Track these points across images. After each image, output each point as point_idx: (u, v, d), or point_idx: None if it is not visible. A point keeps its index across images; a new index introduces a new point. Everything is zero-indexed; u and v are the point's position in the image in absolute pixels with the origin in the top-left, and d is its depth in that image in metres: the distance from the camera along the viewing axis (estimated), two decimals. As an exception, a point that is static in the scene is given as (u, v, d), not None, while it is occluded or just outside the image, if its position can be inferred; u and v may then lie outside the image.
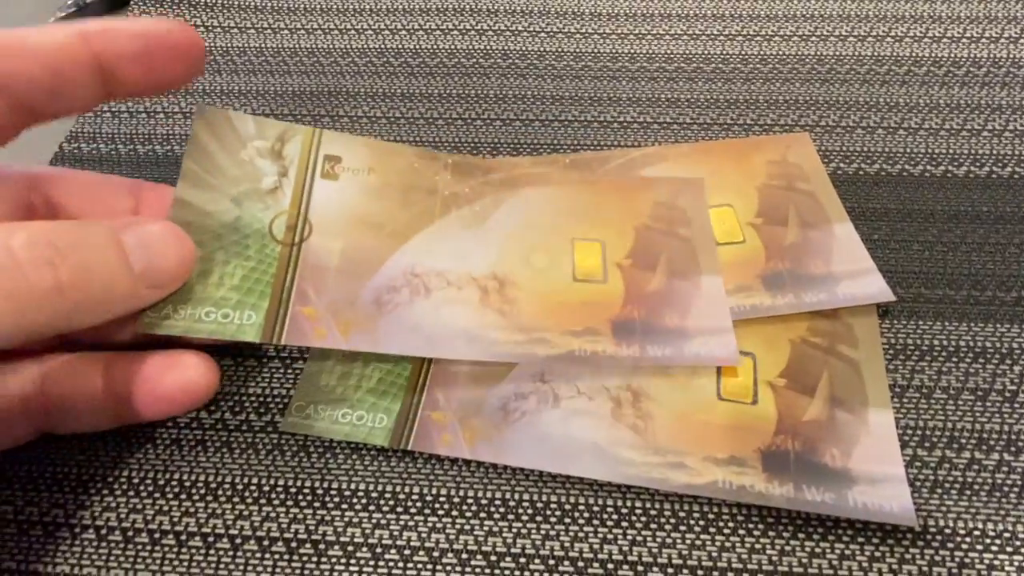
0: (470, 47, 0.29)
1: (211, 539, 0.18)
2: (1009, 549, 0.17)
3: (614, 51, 0.29)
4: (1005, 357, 0.20)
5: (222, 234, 0.19)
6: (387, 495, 0.19)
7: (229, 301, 0.19)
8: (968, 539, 0.18)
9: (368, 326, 0.19)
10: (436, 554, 0.18)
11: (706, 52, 0.28)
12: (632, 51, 0.28)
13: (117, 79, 0.17)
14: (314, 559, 0.18)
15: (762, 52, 0.28)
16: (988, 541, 0.18)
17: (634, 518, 0.18)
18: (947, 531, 0.18)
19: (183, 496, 0.19)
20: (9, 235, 0.14)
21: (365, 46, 0.29)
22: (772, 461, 0.18)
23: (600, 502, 0.19)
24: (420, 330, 0.20)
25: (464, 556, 0.18)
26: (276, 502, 0.19)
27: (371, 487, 0.19)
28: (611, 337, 0.20)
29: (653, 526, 0.18)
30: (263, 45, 0.29)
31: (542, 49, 0.29)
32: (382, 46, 0.29)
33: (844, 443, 0.19)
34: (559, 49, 0.29)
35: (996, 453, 0.19)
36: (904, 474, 0.18)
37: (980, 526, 0.18)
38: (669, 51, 0.28)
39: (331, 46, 0.29)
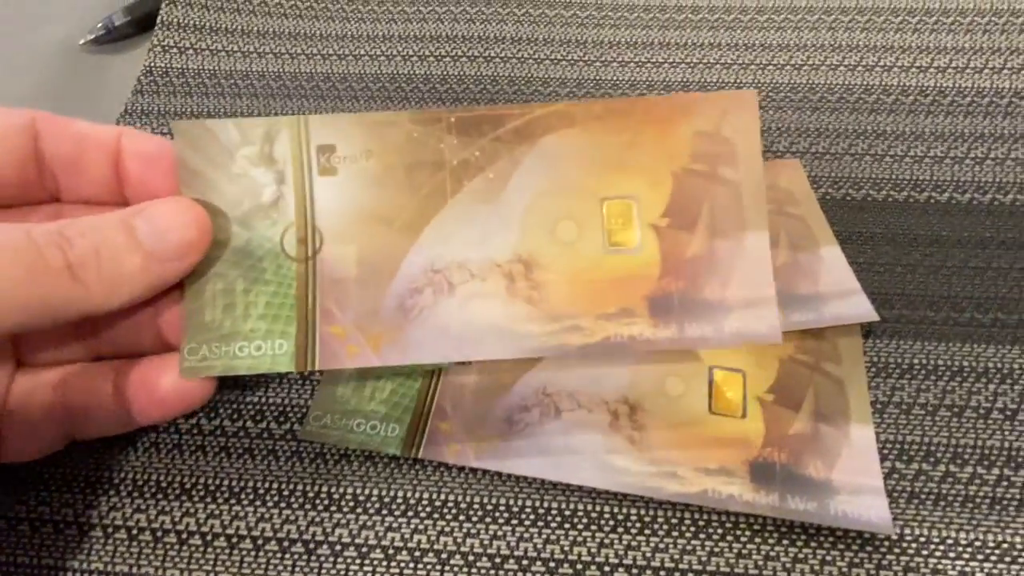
0: (466, 73, 0.30)
1: (234, 540, 0.20)
2: (980, 557, 0.19)
3: (615, 78, 0.30)
4: (980, 376, 0.22)
5: (237, 261, 0.19)
6: (399, 500, 0.20)
7: (258, 332, 0.18)
8: (942, 547, 0.19)
9: (396, 336, 0.19)
10: (444, 556, 0.19)
11: (703, 80, 0.30)
12: (631, 78, 0.30)
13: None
14: (330, 559, 0.19)
15: (756, 80, 0.29)
16: (960, 549, 0.19)
17: (629, 524, 0.20)
18: (922, 539, 0.19)
19: (208, 499, 0.20)
20: (29, 225, 0.16)
21: (379, 71, 0.31)
22: (759, 472, 0.20)
23: (598, 509, 0.20)
24: (448, 332, 0.19)
25: (471, 558, 0.19)
26: (295, 505, 0.20)
27: (384, 492, 0.20)
28: (647, 317, 0.19)
29: (647, 532, 0.19)
30: (282, 70, 0.31)
31: (529, 75, 0.30)
32: (378, 71, 0.31)
33: (827, 456, 0.20)
34: (547, 75, 0.30)
35: (970, 467, 0.20)
36: (882, 486, 0.19)
37: (953, 535, 0.19)
38: (667, 79, 0.30)
39: (346, 71, 0.31)
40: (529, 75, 0.30)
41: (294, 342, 0.19)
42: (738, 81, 0.29)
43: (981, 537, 0.19)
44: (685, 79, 0.30)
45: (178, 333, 0.19)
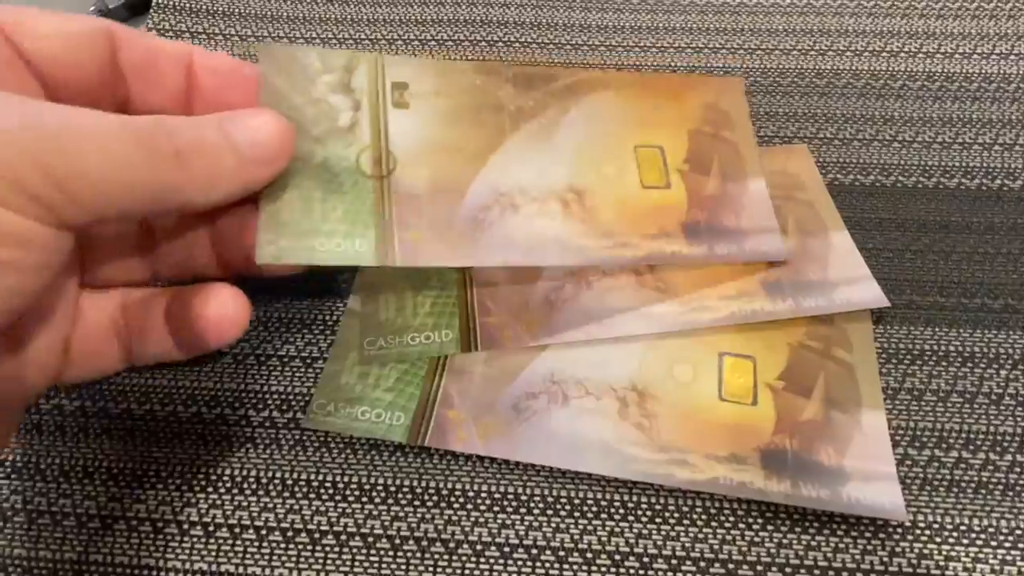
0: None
1: (236, 530, 0.19)
2: (993, 543, 0.19)
3: (619, 62, 0.30)
4: (992, 362, 0.21)
5: (315, 174, 0.19)
6: (405, 489, 0.20)
7: (337, 232, 0.19)
8: (955, 534, 0.19)
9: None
10: (452, 545, 0.19)
11: (709, 64, 0.29)
12: (634, 63, 0.29)
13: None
14: (336, 549, 0.19)
15: (763, 65, 0.29)
16: (973, 536, 0.19)
17: (640, 512, 0.19)
18: (935, 526, 0.19)
19: (210, 489, 0.20)
20: (124, 117, 0.15)
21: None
22: (771, 459, 0.19)
23: (608, 497, 0.19)
24: (515, 241, 0.21)
25: (479, 547, 0.19)
26: (299, 495, 0.20)
27: (389, 481, 0.20)
28: (682, 237, 0.22)
29: (658, 520, 0.19)
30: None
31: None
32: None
33: (839, 442, 0.20)
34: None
35: (982, 453, 0.20)
36: (895, 472, 0.19)
37: (966, 521, 0.19)
38: (673, 63, 0.29)
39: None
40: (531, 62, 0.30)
41: (372, 242, 0.19)
42: (744, 66, 0.29)
43: (995, 523, 0.19)
44: (690, 65, 0.29)
45: (233, 255, 0.20)
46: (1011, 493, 0.19)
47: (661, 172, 0.23)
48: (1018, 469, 0.20)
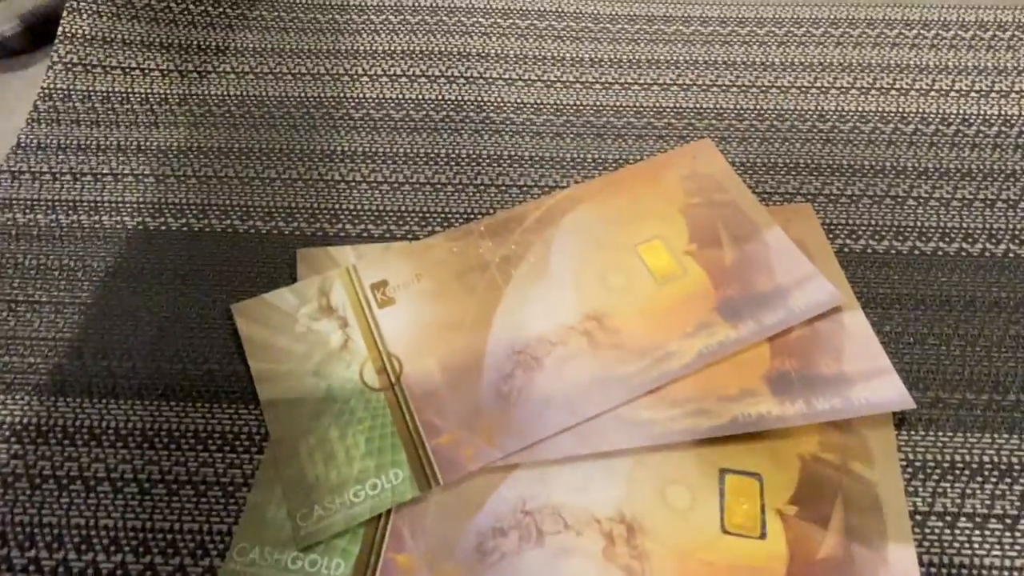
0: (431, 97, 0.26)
1: None
2: None
3: (580, 102, 0.26)
4: (1033, 474, 0.18)
5: (323, 409, 0.19)
6: (346, 656, 0.16)
7: (368, 471, 0.18)
8: None
9: (505, 421, 0.18)
10: None
11: (698, 106, 0.26)
12: (616, 104, 0.26)
13: None
14: None
15: (759, 106, 0.26)
16: None
17: None
18: None
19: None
20: None
21: (321, 94, 0.26)
22: (784, 611, 0.16)
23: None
24: (552, 401, 0.19)
25: None
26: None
27: (327, 646, 0.16)
28: (725, 323, 0.20)
29: None
30: (207, 92, 0.26)
31: (497, 100, 0.26)
32: (321, 94, 0.26)
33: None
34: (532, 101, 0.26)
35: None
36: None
37: None
38: (659, 104, 0.26)
39: (283, 93, 0.26)
40: (498, 99, 0.26)
41: (407, 468, 0.18)
42: (737, 107, 0.26)
43: None
44: (678, 106, 0.26)
45: None
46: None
47: (671, 261, 0.21)
48: (1068, 610, 0.17)
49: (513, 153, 0.25)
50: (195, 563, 0.17)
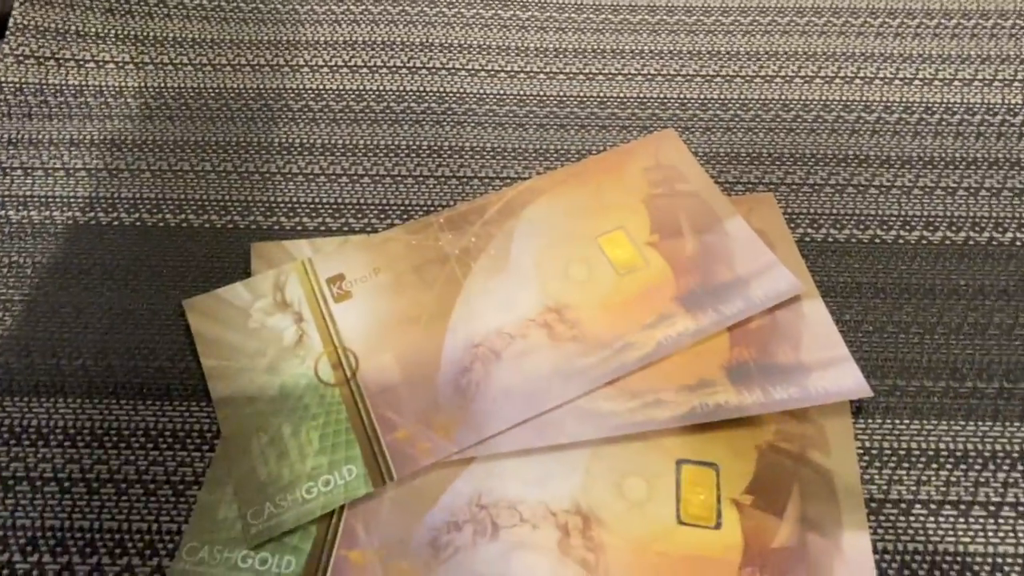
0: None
1: None
2: None
3: (543, 93, 0.26)
4: (988, 461, 0.18)
5: (276, 408, 0.18)
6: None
7: (321, 467, 0.17)
8: None
9: (462, 416, 0.18)
10: None
11: (662, 96, 0.26)
12: (579, 94, 0.26)
13: None
14: None
15: (723, 96, 0.26)
16: None
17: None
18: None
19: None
20: None
21: (281, 85, 0.26)
22: (738, 602, 0.16)
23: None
24: (511, 393, 0.19)
25: None
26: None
27: (278, 645, 0.16)
28: (684, 313, 0.20)
29: None
30: (164, 84, 0.26)
31: (460, 90, 0.26)
32: (281, 85, 0.26)
33: (818, 573, 0.17)
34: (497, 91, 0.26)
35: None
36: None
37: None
38: (623, 94, 0.26)
39: (242, 85, 0.26)
40: (460, 90, 0.26)
41: (361, 464, 0.18)
42: (702, 97, 0.26)
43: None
44: (642, 95, 0.26)
45: None
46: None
47: (633, 252, 0.21)
48: (1021, 595, 0.17)
49: (475, 144, 0.24)
50: (143, 563, 0.17)
